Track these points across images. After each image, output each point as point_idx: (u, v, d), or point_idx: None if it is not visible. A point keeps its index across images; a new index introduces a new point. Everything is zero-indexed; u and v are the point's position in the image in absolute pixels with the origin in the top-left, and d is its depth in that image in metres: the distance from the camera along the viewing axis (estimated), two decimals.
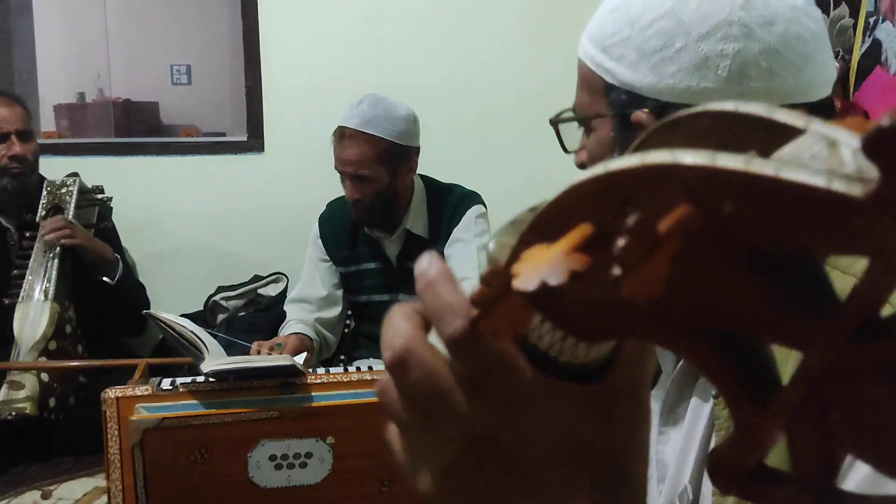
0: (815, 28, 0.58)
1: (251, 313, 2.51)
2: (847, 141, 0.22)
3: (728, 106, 0.26)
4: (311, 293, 1.93)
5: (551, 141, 0.73)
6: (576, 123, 0.72)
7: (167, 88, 5.01)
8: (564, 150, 0.74)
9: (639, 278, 0.23)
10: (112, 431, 1.42)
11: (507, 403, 0.28)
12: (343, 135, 1.79)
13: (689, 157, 0.23)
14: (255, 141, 2.75)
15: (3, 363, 2.05)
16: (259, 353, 1.61)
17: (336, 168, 1.83)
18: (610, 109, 0.64)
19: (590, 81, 0.64)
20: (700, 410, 0.63)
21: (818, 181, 0.21)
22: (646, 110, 0.61)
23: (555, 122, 0.72)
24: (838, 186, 0.20)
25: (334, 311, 1.94)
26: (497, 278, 0.27)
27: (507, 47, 2.70)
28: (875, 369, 0.22)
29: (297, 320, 1.88)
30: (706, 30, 0.56)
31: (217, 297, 2.59)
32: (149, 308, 2.36)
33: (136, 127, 4.30)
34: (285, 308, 2.00)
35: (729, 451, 0.26)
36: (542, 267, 0.25)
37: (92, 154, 2.71)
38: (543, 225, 0.27)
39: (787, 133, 0.24)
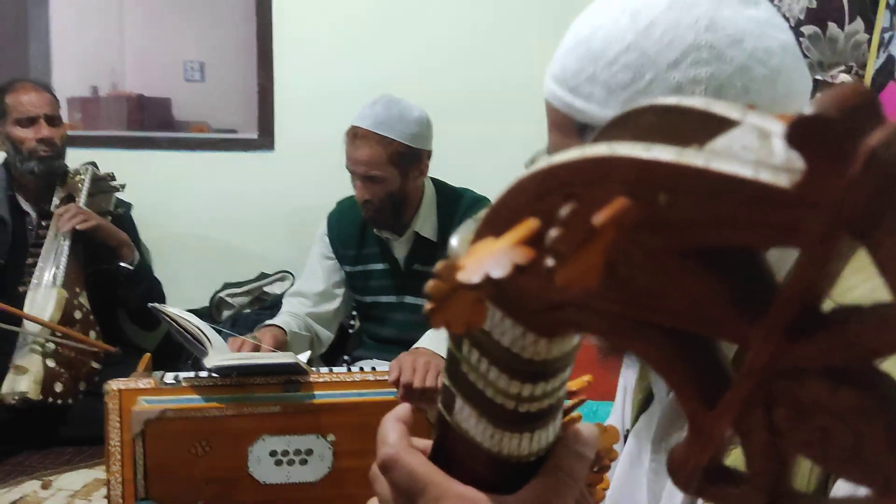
0: (784, 38, 0.56)
1: (256, 311, 2.51)
2: (779, 132, 0.22)
3: (671, 100, 0.26)
4: (308, 288, 1.93)
5: None
6: None
7: (180, 84, 5.04)
8: None
9: (571, 269, 0.23)
10: (113, 423, 1.43)
11: None
12: (356, 135, 1.79)
13: (625, 149, 0.23)
14: (265, 139, 2.76)
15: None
16: (240, 349, 1.60)
17: (347, 167, 1.84)
18: None
19: (560, 123, 0.63)
20: None
21: (746, 172, 0.21)
22: None
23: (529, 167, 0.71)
24: (765, 177, 0.20)
25: (329, 307, 1.94)
26: (449, 272, 0.27)
27: (520, 55, 2.70)
28: (814, 365, 0.22)
29: (287, 312, 1.88)
30: (674, 57, 0.54)
31: (223, 294, 2.60)
32: (164, 302, 2.37)
33: (148, 122, 4.33)
34: (283, 301, 2.00)
35: (685, 451, 0.26)
36: (486, 260, 0.25)
37: (104, 147, 2.73)
38: (494, 220, 0.28)
39: (726, 125, 0.24)
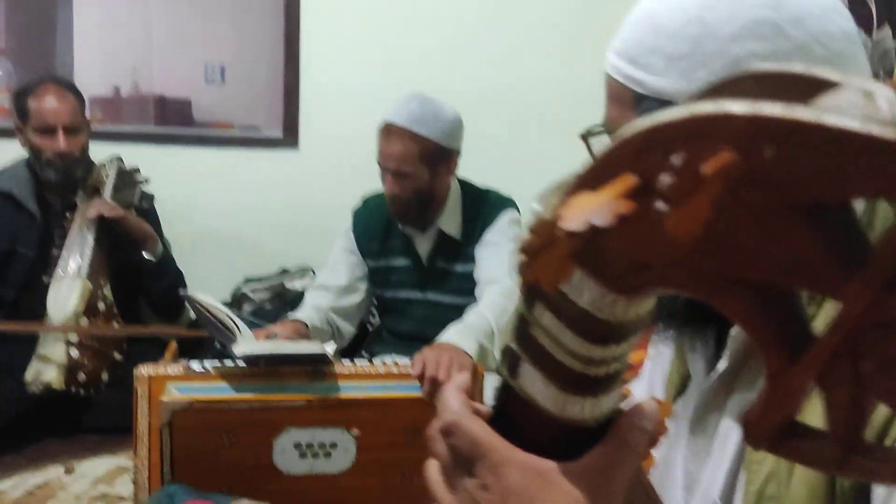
0: (845, 25, 0.57)
1: (277, 306, 2.53)
2: (882, 92, 0.23)
3: (770, 66, 0.27)
4: (332, 281, 1.95)
5: (584, 152, 0.73)
6: (606, 139, 0.73)
7: (200, 86, 5.09)
8: None
9: (682, 214, 0.24)
10: (142, 409, 1.44)
11: (485, 485, 0.36)
12: (389, 130, 1.82)
13: (735, 106, 0.24)
14: (290, 137, 2.78)
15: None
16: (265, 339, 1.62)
17: (378, 162, 1.86)
18: None
19: (619, 95, 0.64)
20: (732, 426, 0.63)
21: (855, 125, 0.22)
22: None
23: (585, 137, 0.73)
24: (875, 130, 0.21)
25: (352, 301, 1.96)
26: (543, 228, 0.28)
27: (544, 56, 2.72)
28: None
29: (310, 306, 1.90)
30: (736, 31, 0.56)
31: (244, 288, 2.63)
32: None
33: (168, 122, 4.37)
34: (306, 293, 2.01)
35: (762, 406, 0.27)
36: (589, 209, 0.27)
37: (130, 142, 2.76)
38: (590, 176, 0.28)
39: (826, 88, 0.25)
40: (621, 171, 0.27)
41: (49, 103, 2.21)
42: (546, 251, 0.29)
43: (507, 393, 0.37)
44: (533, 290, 0.33)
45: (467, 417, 0.38)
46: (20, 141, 2.27)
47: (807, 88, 0.25)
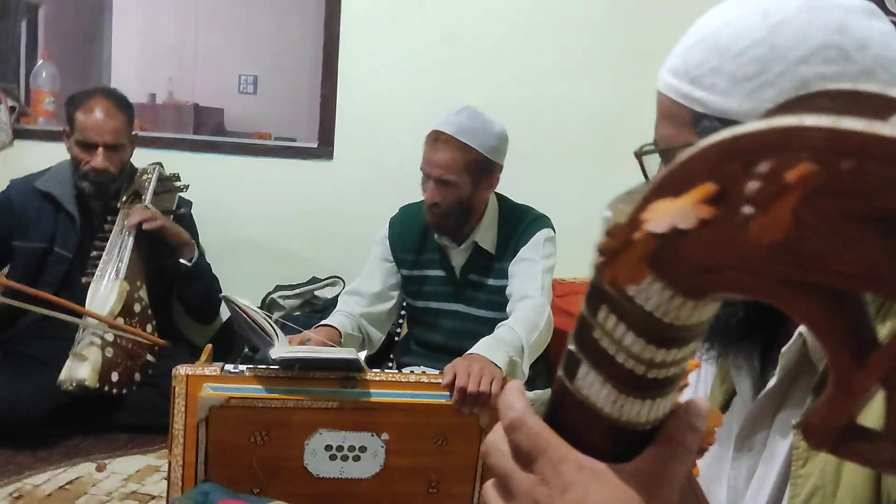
0: None
1: (307, 313, 2.56)
2: None
3: (845, 85, 0.28)
4: (365, 288, 1.98)
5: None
6: (656, 159, 0.74)
7: (233, 96, 5.19)
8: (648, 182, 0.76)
9: (767, 219, 0.26)
10: (179, 407, 1.47)
11: (544, 479, 0.37)
12: (437, 138, 1.85)
13: (814, 120, 0.26)
14: (325, 148, 2.82)
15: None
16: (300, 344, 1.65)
17: (422, 169, 1.88)
18: (700, 138, 0.66)
19: (674, 114, 0.65)
20: (779, 442, 0.63)
21: None
22: None
23: (639, 155, 0.74)
24: None
25: (384, 308, 1.98)
26: (620, 231, 0.30)
27: (579, 76, 2.74)
28: None
29: (342, 312, 1.92)
30: (804, 54, 0.57)
31: (275, 295, 2.66)
32: (219, 299, 2.43)
33: (201, 130, 4.45)
34: (339, 298, 2.04)
35: (825, 408, 0.28)
36: (671, 213, 0.28)
37: (168, 148, 2.82)
38: (668, 184, 0.30)
39: None
40: (700, 180, 0.28)
41: (94, 120, 2.24)
42: (623, 253, 0.30)
43: (562, 395, 0.37)
44: (597, 294, 0.34)
45: (531, 415, 0.39)
46: (66, 145, 2.33)
47: (880, 106, 0.26)
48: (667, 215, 0.28)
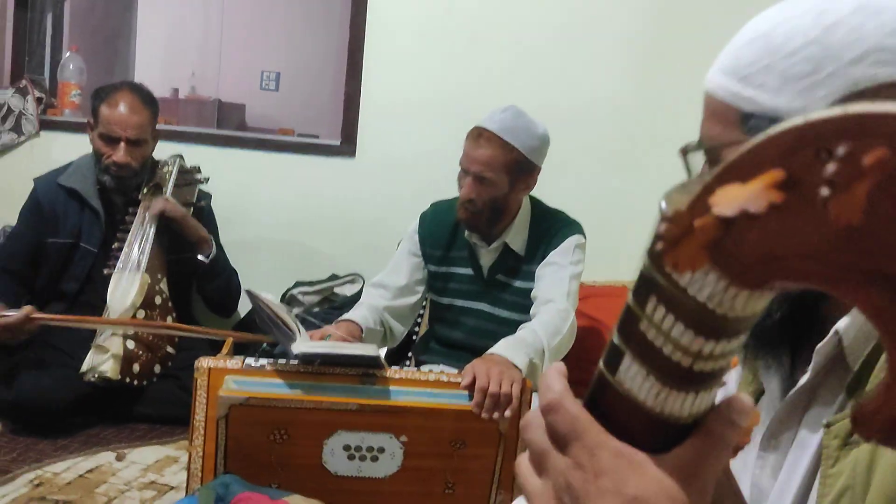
0: None
1: (325, 310, 2.57)
2: None
3: None
4: (391, 281, 1.98)
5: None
6: (700, 159, 0.74)
7: (255, 93, 5.23)
8: None
9: (844, 200, 0.26)
10: (200, 399, 1.48)
11: (579, 463, 0.37)
12: (480, 135, 1.83)
13: (890, 107, 0.26)
14: (347, 146, 2.83)
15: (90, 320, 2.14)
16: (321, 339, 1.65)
17: (461, 165, 1.87)
18: (748, 136, 0.65)
19: (721, 113, 0.66)
20: (807, 441, 0.63)
21: None
22: None
23: (684, 153, 0.74)
24: None
25: (408, 301, 1.98)
26: (681, 217, 0.30)
27: (607, 77, 2.72)
28: None
29: (366, 304, 1.92)
30: (857, 55, 0.58)
31: (294, 291, 2.67)
32: (239, 292, 2.45)
33: (223, 125, 4.49)
34: (363, 290, 2.04)
35: (880, 399, 0.28)
36: (741, 197, 0.28)
37: (191, 142, 2.83)
38: (734, 171, 0.30)
39: None
40: (769, 166, 0.28)
41: (118, 114, 2.24)
42: (684, 239, 0.30)
43: (602, 387, 0.37)
44: (647, 285, 0.34)
45: (569, 398, 0.39)
46: (89, 137, 2.34)
47: None
48: (737, 199, 0.28)
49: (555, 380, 0.40)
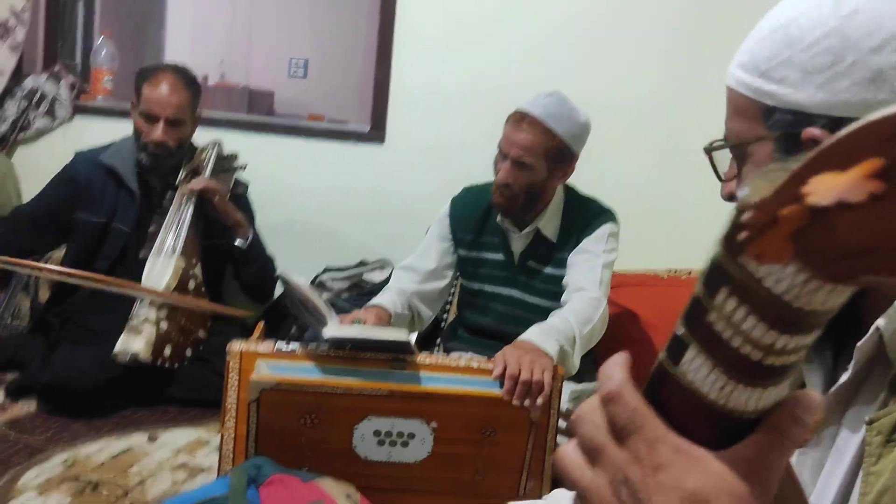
0: None
1: (354, 296, 2.57)
2: None
3: None
4: (420, 264, 1.97)
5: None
6: (726, 156, 0.73)
7: (283, 80, 5.24)
8: (719, 178, 0.75)
9: None
10: (232, 382, 1.49)
11: (638, 456, 0.36)
12: (522, 119, 1.81)
13: None
14: (377, 132, 2.83)
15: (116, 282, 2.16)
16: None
17: (500, 148, 1.85)
18: (772, 131, 0.66)
19: (744, 109, 0.65)
20: (850, 438, 0.62)
21: None
22: (818, 126, 0.62)
23: (709, 151, 0.73)
24: None
25: (437, 286, 1.97)
26: (768, 206, 0.29)
27: (642, 67, 2.69)
28: None
29: (394, 288, 1.92)
30: (877, 44, 0.57)
31: (324, 277, 2.68)
32: (274, 279, 2.46)
33: (252, 112, 4.51)
34: (392, 273, 2.04)
35: None
36: (839, 187, 0.27)
37: (220, 128, 2.84)
38: (827, 159, 0.28)
39: None
40: (866, 155, 0.27)
41: (159, 93, 2.27)
42: (770, 228, 0.29)
43: (663, 378, 0.36)
44: (718, 275, 0.33)
45: (629, 389, 0.38)
46: (132, 115, 2.37)
47: None
48: (834, 189, 0.27)
49: (615, 369, 0.39)
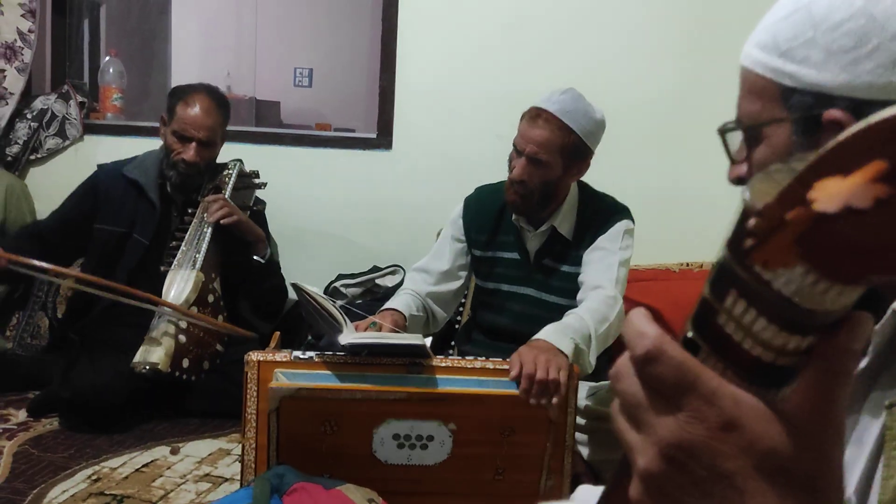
0: None
1: (367, 301, 2.59)
2: None
3: None
4: (434, 266, 1.98)
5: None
6: (737, 138, 0.72)
7: (289, 89, 5.27)
8: (732, 160, 0.74)
9: None
10: (251, 392, 1.51)
11: (697, 416, 0.33)
12: (538, 115, 1.80)
13: None
14: (383, 139, 2.84)
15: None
16: (365, 330, 1.67)
17: (516, 144, 1.84)
18: (791, 113, 0.64)
19: (761, 89, 0.64)
20: (870, 424, 0.62)
21: None
22: (840, 109, 0.61)
23: (722, 133, 0.72)
24: None
25: (451, 287, 1.97)
26: (772, 211, 0.29)
27: (637, 63, 2.69)
28: None
29: (408, 290, 1.92)
30: None
31: (337, 284, 2.70)
32: (286, 295, 2.48)
33: (261, 124, 4.54)
34: (406, 276, 2.04)
35: None
36: (845, 192, 0.27)
37: (231, 141, 2.86)
38: (829, 162, 0.28)
39: None
40: (870, 157, 0.27)
41: (193, 115, 2.31)
42: (775, 234, 0.29)
43: None
44: (726, 277, 0.32)
45: (669, 342, 0.34)
46: (161, 132, 2.40)
47: None
48: (840, 194, 0.27)
49: (644, 323, 0.35)
